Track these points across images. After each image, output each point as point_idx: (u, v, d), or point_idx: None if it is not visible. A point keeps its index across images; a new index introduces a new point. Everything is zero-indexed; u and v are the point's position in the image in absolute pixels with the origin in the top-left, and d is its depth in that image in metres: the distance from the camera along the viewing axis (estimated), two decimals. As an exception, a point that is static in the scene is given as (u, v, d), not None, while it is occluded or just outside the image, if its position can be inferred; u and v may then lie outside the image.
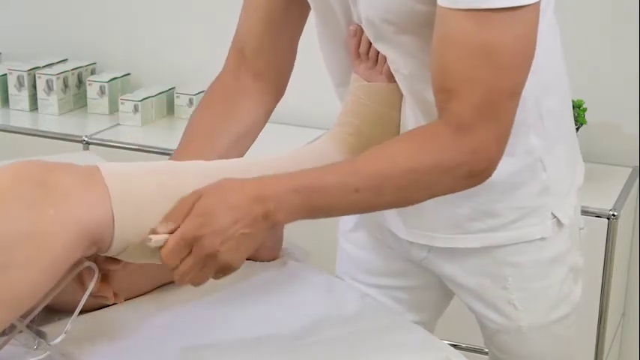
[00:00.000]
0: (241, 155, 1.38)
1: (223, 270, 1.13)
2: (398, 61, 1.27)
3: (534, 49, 1.17)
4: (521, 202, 1.35)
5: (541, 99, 1.30)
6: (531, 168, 1.33)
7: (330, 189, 1.14)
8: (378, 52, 1.30)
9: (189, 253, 1.10)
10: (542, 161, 1.33)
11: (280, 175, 1.14)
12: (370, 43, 1.30)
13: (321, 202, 1.14)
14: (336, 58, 1.38)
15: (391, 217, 1.41)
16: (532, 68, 1.21)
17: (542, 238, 1.37)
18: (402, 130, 1.34)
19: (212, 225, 1.09)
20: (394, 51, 1.26)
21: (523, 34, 1.14)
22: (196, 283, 1.14)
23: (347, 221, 1.56)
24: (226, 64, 1.44)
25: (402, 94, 1.32)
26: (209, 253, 1.10)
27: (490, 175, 1.19)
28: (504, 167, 1.30)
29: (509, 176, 1.31)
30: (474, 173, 1.17)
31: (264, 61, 1.41)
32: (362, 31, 1.30)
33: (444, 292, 1.51)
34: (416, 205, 1.28)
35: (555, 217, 1.37)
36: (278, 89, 1.43)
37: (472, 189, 1.25)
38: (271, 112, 1.44)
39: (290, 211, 1.12)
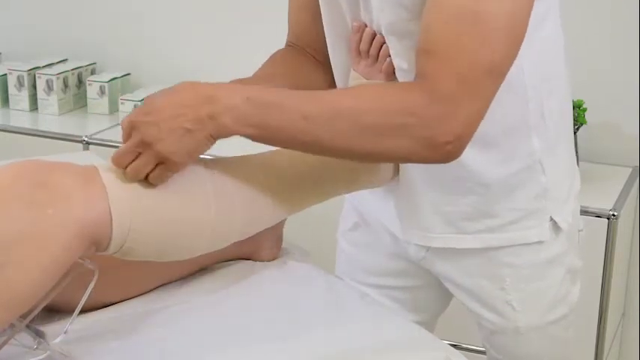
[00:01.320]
0: None
1: (164, 162, 1.11)
2: (402, 54, 1.26)
3: (524, 32, 1.15)
4: (519, 204, 1.34)
5: (544, 101, 1.30)
6: (531, 170, 1.33)
7: (282, 107, 1.13)
8: (379, 51, 1.30)
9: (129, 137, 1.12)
10: (542, 164, 1.33)
11: (238, 84, 1.15)
12: (371, 41, 1.30)
13: (270, 119, 1.12)
14: (340, 59, 1.38)
15: (390, 216, 1.41)
16: (541, 76, 1.21)
17: (540, 242, 1.37)
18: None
19: (155, 115, 1.10)
20: (401, 43, 1.25)
21: (515, 12, 1.13)
22: (136, 172, 1.12)
23: (346, 221, 1.56)
24: (287, 42, 1.47)
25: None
26: (146, 140, 1.10)
27: (452, 156, 1.15)
28: (503, 168, 1.30)
29: (508, 177, 1.31)
30: (434, 144, 1.13)
31: (317, 49, 1.43)
32: (365, 29, 1.30)
33: (443, 292, 1.51)
34: (413, 203, 1.27)
35: (553, 220, 1.37)
36: (332, 79, 1.44)
37: (468, 187, 1.25)
38: None
39: (238, 118, 1.11)
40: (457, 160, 1.18)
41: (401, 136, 1.13)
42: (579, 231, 1.46)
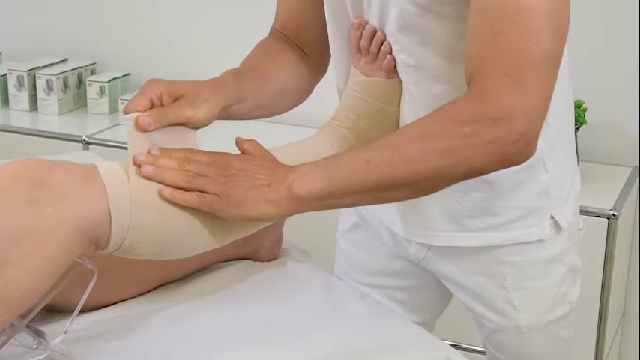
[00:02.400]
0: (279, 109, 1.41)
1: (221, 195, 1.11)
2: (408, 50, 1.26)
3: (567, 19, 1.13)
4: (520, 203, 1.34)
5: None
6: (532, 168, 1.32)
7: (344, 160, 1.14)
8: (380, 48, 1.30)
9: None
10: (544, 162, 1.33)
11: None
12: (372, 38, 1.30)
13: (336, 172, 1.12)
14: (342, 56, 1.38)
15: (390, 214, 1.41)
16: None
17: (540, 240, 1.37)
18: (400, 126, 1.34)
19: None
20: (409, 38, 1.25)
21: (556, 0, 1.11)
22: (194, 183, 1.12)
23: (346, 221, 1.56)
24: (269, 34, 1.47)
25: (401, 90, 1.31)
26: (230, 171, 1.12)
27: (524, 155, 1.12)
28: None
29: (509, 174, 1.31)
30: (501, 147, 1.10)
31: (303, 41, 1.43)
32: (365, 25, 1.30)
33: (442, 292, 1.51)
34: (415, 201, 1.27)
35: (554, 219, 1.37)
36: (319, 67, 1.45)
37: (470, 184, 1.25)
38: (312, 89, 1.45)
39: (308, 180, 1.12)
40: None
41: (463, 151, 1.10)
42: (579, 230, 1.46)
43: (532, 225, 1.36)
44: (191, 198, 1.11)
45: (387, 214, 1.42)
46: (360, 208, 1.50)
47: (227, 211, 1.12)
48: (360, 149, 1.16)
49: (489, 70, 1.10)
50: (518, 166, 1.29)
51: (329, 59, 1.45)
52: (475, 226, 1.35)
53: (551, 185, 1.35)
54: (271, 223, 1.19)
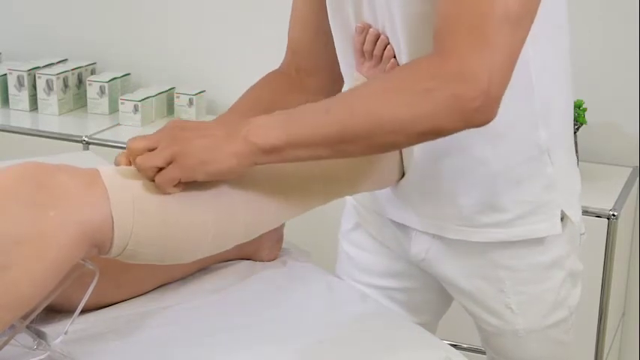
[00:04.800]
0: None
1: (173, 161, 1.10)
2: (413, 51, 1.24)
3: None
4: (527, 196, 1.33)
5: (550, 90, 1.29)
6: (538, 160, 1.31)
7: (304, 110, 1.14)
8: (383, 51, 1.30)
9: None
10: (550, 155, 1.32)
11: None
12: (375, 42, 1.30)
13: (295, 121, 1.12)
14: (349, 64, 1.38)
15: (402, 208, 1.40)
16: (543, 64, 1.20)
17: (540, 242, 1.36)
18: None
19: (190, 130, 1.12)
20: (412, 41, 1.24)
21: None
22: (144, 162, 1.10)
23: (347, 221, 1.56)
24: (283, 62, 1.47)
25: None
26: (174, 141, 1.10)
27: (483, 116, 1.10)
28: (510, 157, 1.29)
29: (515, 167, 1.30)
30: (460, 104, 1.08)
31: (316, 63, 1.43)
32: (368, 29, 1.30)
33: (443, 294, 1.50)
34: (425, 195, 1.27)
35: (564, 214, 1.35)
36: (334, 87, 1.44)
37: (476, 177, 1.24)
38: None
39: (266, 129, 1.11)
40: (463, 149, 1.16)
41: (422, 105, 1.09)
42: (581, 234, 1.45)
43: (541, 220, 1.34)
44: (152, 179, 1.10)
45: (396, 207, 1.41)
46: (363, 204, 1.50)
47: (189, 173, 1.10)
48: (322, 101, 1.15)
49: (453, 26, 1.10)
50: (523, 158, 1.28)
51: (341, 80, 1.44)
52: (483, 221, 1.34)
53: (558, 179, 1.34)
54: (233, 177, 1.15)
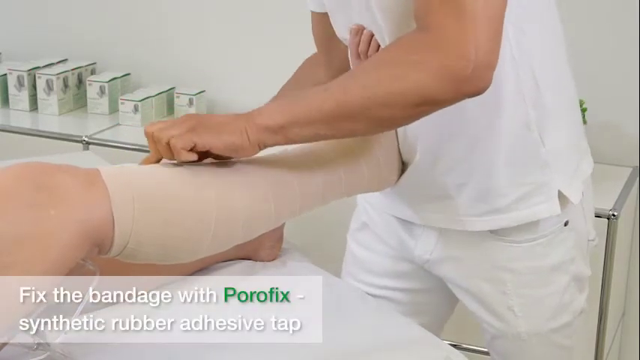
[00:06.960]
0: None
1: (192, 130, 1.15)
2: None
3: None
4: (523, 178, 1.32)
5: (536, 70, 1.29)
6: (529, 141, 1.31)
7: (307, 92, 1.19)
8: (377, 51, 1.30)
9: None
10: (541, 135, 1.31)
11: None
12: (369, 42, 1.30)
13: (297, 101, 1.17)
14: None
15: (402, 202, 1.40)
16: (528, 44, 1.22)
17: (542, 244, 1.36)
18: (399, 129, 1.34)
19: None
20: (399, 26, 1.24)
21: None
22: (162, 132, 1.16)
23: (356, 220, 1.56)
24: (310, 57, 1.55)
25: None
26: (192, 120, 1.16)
27: (476, 84, 1.12)
28: (502, 138, 1.29)
29: (507, 148, 1.30)
30: (451, 74, 1.10)
31: (335, 55, 1.47)
32: (363, 31, 1.30)
33: (447, 296, 1.50)
34: (424, 188, 1.30)
35: (563, 194, 1.34)
36: None
37: (473, 162, 1.26)
38: None
39: (269, 113, 1.17)
40: (459, 134, 1.19)
41: (414, 74, 1.12)
42: (590, 240, 1.44)
43: (540, 202, 1.34)
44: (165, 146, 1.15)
45: (400, 204, 1.41)
46: (371, 203, 1.49)
47: (205, 139, 1.14)
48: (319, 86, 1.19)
49: (429, 4, 1.12)
50: (513, 139, 1.28)
51: None
52: (482, 209, 1.34)
53: (552, 159, 1.33)
54: (244, 155, 1.19)
